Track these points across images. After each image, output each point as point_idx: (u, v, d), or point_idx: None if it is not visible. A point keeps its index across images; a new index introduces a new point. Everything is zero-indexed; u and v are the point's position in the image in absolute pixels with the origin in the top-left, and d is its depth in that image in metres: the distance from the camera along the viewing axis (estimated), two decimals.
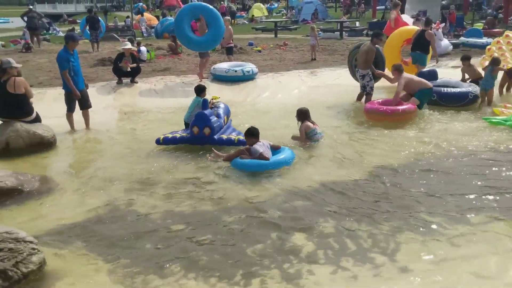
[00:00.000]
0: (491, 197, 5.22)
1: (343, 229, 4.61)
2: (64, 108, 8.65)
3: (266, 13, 39.87)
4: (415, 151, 6.86)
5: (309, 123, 7.31)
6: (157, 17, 32.14)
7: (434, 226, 4.61)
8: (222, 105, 8.04)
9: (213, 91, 11.49)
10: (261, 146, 6.33)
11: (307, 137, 7.25)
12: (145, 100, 10.96)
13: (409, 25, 16.29)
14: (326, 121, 8.39)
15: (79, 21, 37.24)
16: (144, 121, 9.48)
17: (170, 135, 7.35)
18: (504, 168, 6.04)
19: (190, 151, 7.06)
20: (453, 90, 9.32)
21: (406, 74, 8.92)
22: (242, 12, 44.46)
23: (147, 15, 32.33)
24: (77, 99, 8.48)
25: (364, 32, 22.41)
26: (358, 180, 5.87)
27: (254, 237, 4.50)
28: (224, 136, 7.28)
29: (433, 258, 4.07)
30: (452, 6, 26.26)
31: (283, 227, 4.67)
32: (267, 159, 6.17)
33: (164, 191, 5.69)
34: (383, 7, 32.76)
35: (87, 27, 18.27)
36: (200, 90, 7.97)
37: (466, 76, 10.34)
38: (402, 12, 20.40)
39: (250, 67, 12.39)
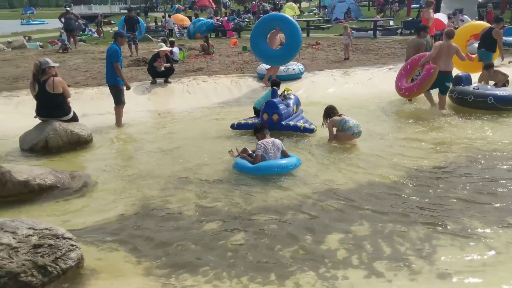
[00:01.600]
0: None
1: (378, 232, 4.53)
2: (100, 106, 8.86)
3: (298, 12, 39.71)
4: (452, 153, 6.71)
5: (335, 117, 7.23)
6: (190, 17, 32.51)
7: (472, 230, 4.49)
8: (292, 96, 8.77)
9: (244, 88, 11.58)
10: (268, 144, 6.25)
11: (341, 130, 7.18)
12: (178, 99, 11.08)
13: (445, 24, 16.03)
14: (360, 122, 8.27)
15: (113, 22, 38.06)
16: (177, 120, 9.58)
17: (243, 121, 8.22)
18: None
19: (222, 151, 7.09)
20: (508, 93, 8.99)
21: (449, 44, 8.85)
22: (274, 12, 44.40)
23: (178, 16, 32.71)
24: (127, 90, 8.98)
25: (399, 31, 22.01)
26: (393, 182, 5.78)
27: (287, 238, 4.47)
28: (291, 123, 7.95)
29: (472, 263, 3.96)
30: (489, 5, 25.50)
31: (316, 229, 4.63)
32: (257, 162, 6.11)
33: (198, 190, 5.73)
34: (418, 5, 32.18)
35: (125, 28, 17.17)
36: (276, 84, 8.80)
37: (491, 82, 9.93)
38: (438, 10, 20.03)
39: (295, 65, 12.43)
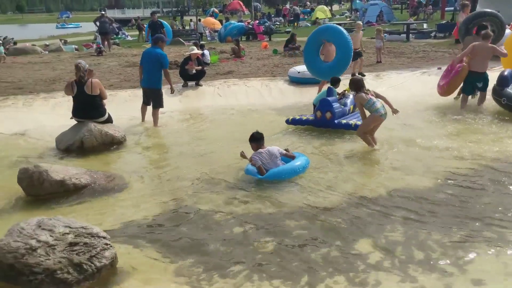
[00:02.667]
0: None
1: (411, 237, 4.46)
2: (134, 109, 9.02)
3: (329, 15, 39.53)
4: (487, 160, 6.53)
5: (363, 94, 6.93)
6: (221, 21, 32.79)
7: (508, 238, 4.37)
8: (351, 96, 8.70)
9: (275, 93, 11.59)
10: (262, 155, 6.11)
11: (366, 110, 7.03)
12: (209, 102, 11.19)
13: None
14: (393, 126, 8.16)
15: (146, 25, 38.75)
16: (208, 123, 9.67)
17: (298, 117, 8.48)
18: None
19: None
20: None
21: (485, 45, 8.97)
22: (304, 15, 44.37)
23: (209, 19, 33.06)
24: (172, 93, 9.64)
25: (432, 34, 21.60)
26: (426, 187, 5.68)
27: (318, 242, 4.45)
28: (343, 121, 8.07)
29: (508, 271, 3.85)
30: None
31: (348, 233, 4.59)
32: (262, 173, 5.99)
33: (229, 192, 5.76)
34: (452, 8, 31.52)
35: (150, 34, 16.77)
36: (335, 81, 8.94)
37: None
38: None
39: None
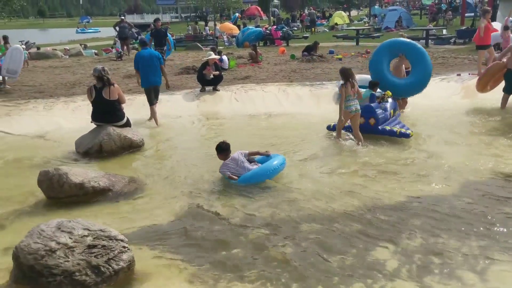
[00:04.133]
0: None
1: (430, 245, 4.41)
2: (149, 113, 9.16)
3: (347, 21, 39.42)
4: (509, 167, 6.42)
5: (347, 87, 7.25)
6: (238, 26, 32.94)
7: None
8: (390, 100, 8.72)
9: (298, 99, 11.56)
10: (229, 166, 6.22)
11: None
12: (226, 107, 11.21)
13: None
14: (412, 131, 8.09)
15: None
16: (224, 127, 9.71)
17: None
18: None
19: None
20: None
21: None
22: (323, 20, 44.33)
23: (227, 25, 33.23)
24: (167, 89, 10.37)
25: (452, 40, 21.39)
26: (445, 194, 5.61)
27: (335, 248, 4.42)
28: (388, 127, 7.97)
29: None
30: None
31: (365, 240, 4.56)
32: (235, 179, 6.13)
33: (244, 196, 5.77)
34: (472, 14, 31.16)
35: (152, 43, 14.74)
36: (374, 85, 8.88)
37: None
38: (494, 19, 19.29)
39: None
